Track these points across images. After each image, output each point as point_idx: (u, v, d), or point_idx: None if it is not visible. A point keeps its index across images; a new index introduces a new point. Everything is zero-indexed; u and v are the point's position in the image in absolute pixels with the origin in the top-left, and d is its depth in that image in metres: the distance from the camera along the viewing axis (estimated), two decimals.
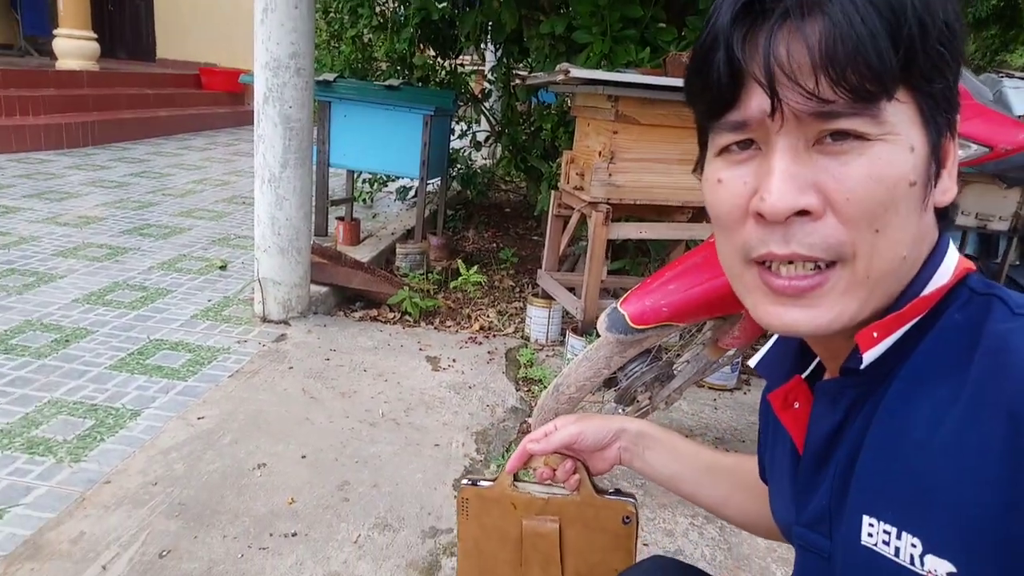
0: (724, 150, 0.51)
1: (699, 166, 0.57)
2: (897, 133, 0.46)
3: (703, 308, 1.56)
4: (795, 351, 0.64)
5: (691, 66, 0.52)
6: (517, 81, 4.00)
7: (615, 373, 1.74)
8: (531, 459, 0.82)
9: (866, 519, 0.51)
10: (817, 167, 0.47)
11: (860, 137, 0.46)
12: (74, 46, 6.88)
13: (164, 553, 1.40)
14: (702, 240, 2.92)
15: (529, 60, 4.10)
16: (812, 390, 0.61)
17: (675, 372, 1.88)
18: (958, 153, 0.52)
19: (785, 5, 0.45)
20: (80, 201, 3.97)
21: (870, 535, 0.50)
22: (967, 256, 0.58)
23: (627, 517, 0.83)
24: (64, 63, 6.79)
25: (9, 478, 1.57)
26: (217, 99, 8.17)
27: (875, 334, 0.51)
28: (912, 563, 0.47)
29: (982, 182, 2.05)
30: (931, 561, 0.46)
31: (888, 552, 0.49)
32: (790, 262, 0.49)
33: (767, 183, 0.47)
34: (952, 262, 0.53)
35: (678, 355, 1.92)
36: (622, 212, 2.42)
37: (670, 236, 2.54)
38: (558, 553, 0.84)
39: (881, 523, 0.50)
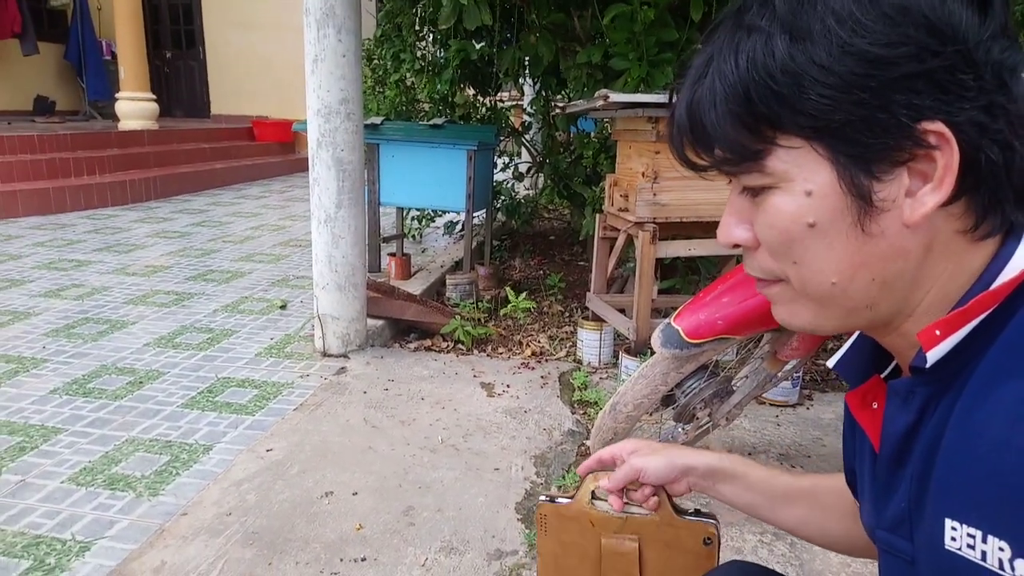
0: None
1: None
2: (790, 179, 0.50)
3: (758, 320, 1.55)
4: (872, 350, 0.64)
5: None
6: (556, 111, 4.07)
7: (672, 390, 1.74)
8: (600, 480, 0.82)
9: (948, 523, 0.49)
10: (749, 207, 0.54)
11: (763, 186, 0.51)
12: (135, 108, 7.32)
13: None
14: None
15: (567, 91, 4.18)
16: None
17: (734, 387, 1.86)
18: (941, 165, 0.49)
19: (682, 81, 0.54)
20: (146, 252, 4.18)
21: (954, 539, 0.49)
22: None
23: (708, 538, 0.82)
24: (126, 124, 7.22)
25: (94, 512, 1.65)
26: (269, 149, 8.53)
27: (938, 332, 0.51)
28: (1002, 567, 0.45)
29: None
30: (1021, 566, 0.44)
31: (974, 556, 0.47)
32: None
33: None
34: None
35: (736, 371, 1.90)
36: (668, 231, 2.43)
37: (719, 252, 2.54)
38: (638, 572, 0.83)
39: (965, 526, 0.48)
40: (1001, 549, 0.45)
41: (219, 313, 3.11)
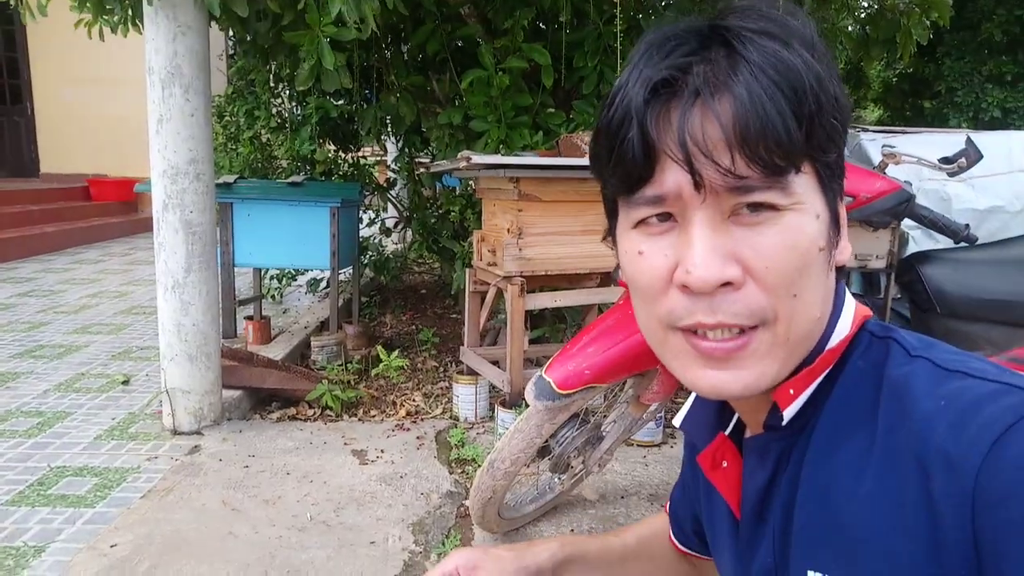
0: (641, 222, 0.52)
1: (609, 235, 0.59)
2: (804, 202, 0.49)
3: (622, 366, 1.61)
4: (716, 408, 0.65)
5: (599, 143, 0.53)
6: (421, 169, 4.10)
7: (547, 441, 1.75)
8: None
9: (811, 574, 0.51)
10: (735, 238, 0.48)
11: (772, 208, 0.48)
12: None
13: None
14: (612, 303, 3.03)
15: (430, 148, 4.23)
16: (737, 446, 0.62)
17: (604, 433, 1.91)
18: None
19: (695, 85, 0.47)
20: None
21: None
22: (854, 295, 0.62)
23: None
24: None
25: None
26: (108, 209, 7.88)
27: (791, 391, 0.53)
28: None
29: (854, 227, 2.26)
30: None
31: None
32: (717, 328, 0.50)
33: (690, 256, 0.48)
34: (851, 311, 0.56)
35: (604, 416, 1.95)
36: (535, 283, 2.49)
37: (583, 302, 2.63)
38: None
39: None
40: None
41: (51, 393, 2.78)
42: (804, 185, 0.49)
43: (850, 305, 0.56)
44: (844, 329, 0.54)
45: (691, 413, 0.69)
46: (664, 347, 0.54)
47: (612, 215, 0.57)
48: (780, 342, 0.50)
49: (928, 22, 3.23)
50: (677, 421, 0.71)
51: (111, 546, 1.75)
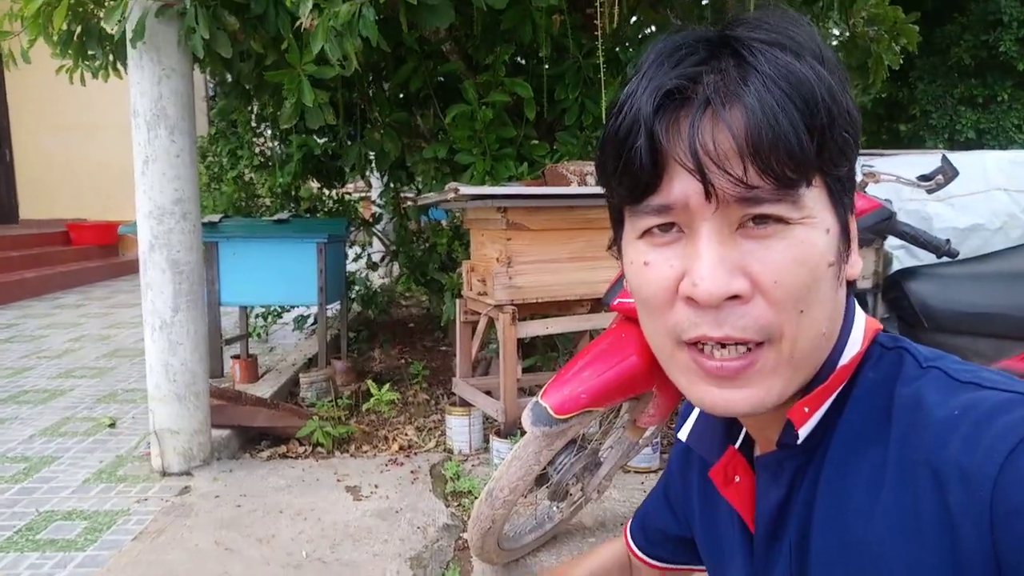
0: (647, 232, 0.52)
1: (614, 245, 0.58)
2: (814, 216, 0.48)
3: (617, 390, 1.62)
4: (724, 422, 0.65)
5: (605, 151, 0.52)
6: (409, 203, 4.13)
7: (545, 469, 1.75)
8: None
9: None
10: (743, 251, 0.48)
11: (782, 221, 0.47)
12: None
13: None
14: (603, 328, 3.05)
15: (415, 183, 4.27)
16: (748, 460, 0.62)
17: (601, 459, 1.91)
18: None
19: (705, 95, 0.47)
20: None
21: None
22: None
23: None
24: None
25: None
26: (88, 253, 7.82)
27: (806, 409, 0.53)
28: None
29: None
30: None
31: None
32: (723, 345, 0.49)
33: (696, 268, 0.48)
34: (861, 326, 0.55)
35: (600, 442, 1.95)
36: (526, 311, 2.50)
37: (574, 328, 2.64)
38: None
39: None
40: None
41: (36, 439, 2.72)
42: (815, 199, 0.48)
43: (860, 319, 0.56)
44: (856, 345, 0.54)
45: (697, 427, 0.69)
46: (671, 362, 0.54)
47: (618, 224, 0.57)
48: (785, 360, 0.49)
49: (897, 48, 3.35)
50: (683, 435, 0.70)
51: None
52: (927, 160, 2.66)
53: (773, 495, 0.57)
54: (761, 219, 0.48)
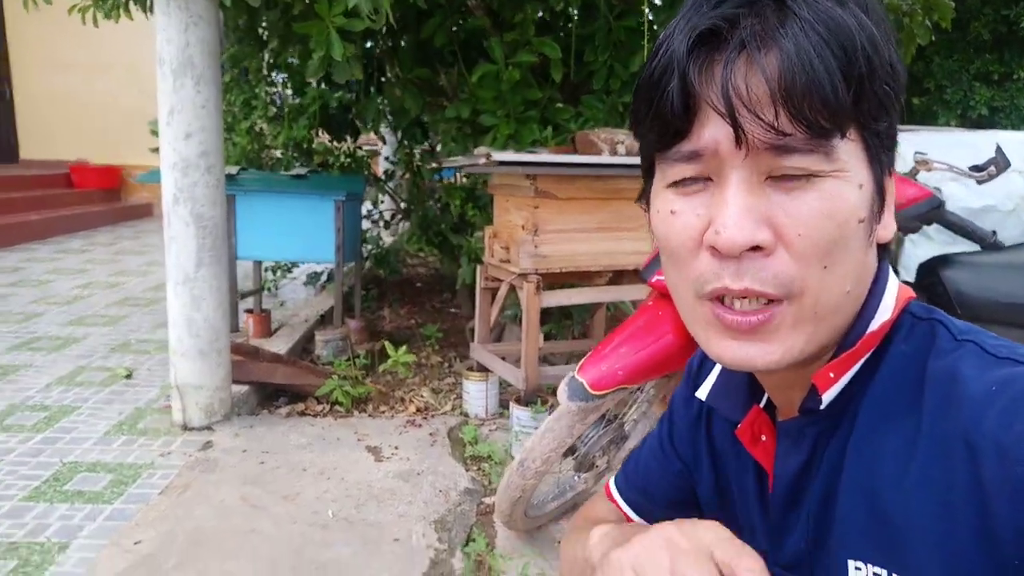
0: (676, 182, 0.51)
1: (644, 196, 0.57)
2: (847, 170, 0.47)
3: (653, 368, 1.62)
4: (747, 380, 0.63)
5: (639, 96, 0.51)
6: (431, 164, 4.06)
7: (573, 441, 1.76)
8: None
9: (852, 563, 0.50)
10: (771, 202, 0.46)
11: (813, 174, 0.46)
12: None
13: None
14: (623, 301, 3.05)
15: (429, 140, 4.20)
16: (772, 420, 0.61)
17: (627, 433, 1.93)
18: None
19: (741, 37, 0.45)
20: None
21: None
22: None
23: None
24: None
25: None
26: (91, 197, 7.73)
27: (832, 374, 0.52)
28: None
29: None
30: None
31: None
32: (743, 297, 0.48)
33: (721, 216, 0.47)
34: (894, 292, 0.54)
35: (625, 415, 1.97)
36: (548, 281, 2.49)
37: (597, 300, 2.64)
38: None
39: (870, 566, 0.49)
40: None
41: (53, 387, 2.73)
42: (849, 152, 0.47)
43: (893, 286, 0.54)
44: (886, 311, 0.53)
45: (718, 385, 0.67)
46: (692, 317, 0.53)
47: (648, 175, 0.55)
48: (807, 316, 0.48)
49: (929, 23, 3.27)
50: (702, 394, 0.68)
51: (135, 543, 1.73)
52: (967, 140, 2.61)
53: (793, 461, 0.56)
54: (791, 171, 0.46)
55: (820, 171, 0.46)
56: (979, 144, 2.90)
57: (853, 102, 0.45)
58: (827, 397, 0.53)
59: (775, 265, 0.47)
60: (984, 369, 0.47)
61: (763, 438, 0.60)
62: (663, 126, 0.49)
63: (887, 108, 0.48)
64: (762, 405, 0.62)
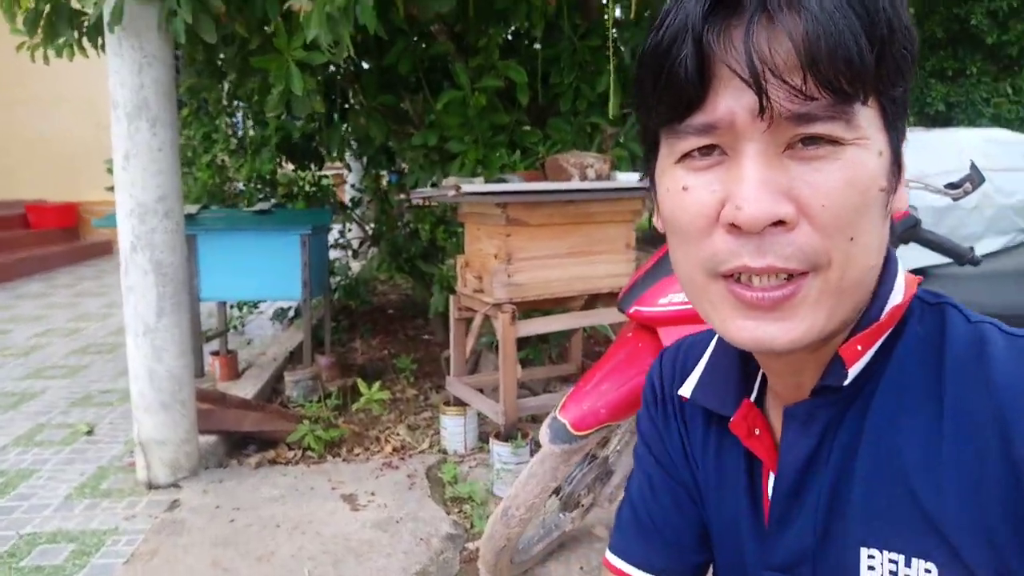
0: (685, 156, 0.48)
1: (647, 174, 0.54)
2: (867, 137, 0.45)
3: (636, 403, 1.56)
4: (738, 373, 0.60)
5: (644, 67, 0.48)
6: (399, 195, 3.99)
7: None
8: None
9: (864, 552, 0.49)
10: (790, 174, 0.44)
11: (834, 142, 0.44)
12: None
13: None
14: (601, 325, 2.99)
15: (394, 167, 4.14)
16: (762, 414, 0.59)
17: (612, 467, 1.87)
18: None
19: None
20: None
21: (871, 568, 0.48)
22: None
23: None
24: None
25: None
26: (49, 237, 7.51)
27: (859, 347, 0.50)
28: None
29: None
30: None
31: None
32: (763, 274, 0.46)
33: (740, 191, 0.44)
34: (903, 275, 0.53)
35: (608, 447, 1.91)
36: (523, 308, 2.43)
37: (574, 326, 2.59)
38: None
39: (885, 553, 0.48)
40: (927, 571, 0.46)
41: (10, 449, 2.58)
42: (868, 119, 0.45)
43: (902, 267, 0.54)
44: (900, 293, 0.52)
45: (704, 382, 0.63)
46: (702, 297, 0.50)
47: (651, 151, 0.52)
48: (832, 290, 0.46)
49: None
50: (686, 391, 0.63)
51: None
52: (909, 140, 2.62)
53: (802, 447, 0.53)
54: (812, 140, 0.44)
55: (841, 138, 0.44)
56: (938, 146, 2.91)
57: (875, 64, 0.43)
58: (853, 371, 0.50)
59: (799, 239, 0.44)
60: (1009, 349, 0.46)
61: (756, 432, 0.58)
62: (675, 97, 0.46)
63: (904, 73, 0.46)
64: (752, 399, 0.59)
